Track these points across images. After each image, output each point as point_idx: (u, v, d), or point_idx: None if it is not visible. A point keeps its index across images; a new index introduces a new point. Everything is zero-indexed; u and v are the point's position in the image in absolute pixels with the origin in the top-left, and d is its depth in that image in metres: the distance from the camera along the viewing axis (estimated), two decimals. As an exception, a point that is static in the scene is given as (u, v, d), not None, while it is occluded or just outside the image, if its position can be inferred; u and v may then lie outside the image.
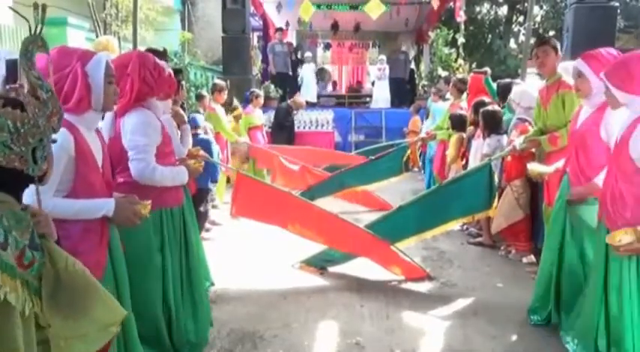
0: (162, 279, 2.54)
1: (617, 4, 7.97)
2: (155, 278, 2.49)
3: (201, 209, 5.05)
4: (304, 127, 10.68)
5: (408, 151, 6.85)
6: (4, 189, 1.33)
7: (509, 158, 4.38)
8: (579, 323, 2.80)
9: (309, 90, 12.95)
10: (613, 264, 2.46)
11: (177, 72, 3.85)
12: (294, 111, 9.51)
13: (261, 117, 7.98)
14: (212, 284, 3.84)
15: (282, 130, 9.22)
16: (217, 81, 7.14)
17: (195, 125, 4.98)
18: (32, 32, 1.35)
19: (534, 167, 2.98)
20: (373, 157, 6.42)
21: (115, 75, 2.08)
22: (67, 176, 1.86)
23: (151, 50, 4.00)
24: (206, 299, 3.12)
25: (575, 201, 2.86)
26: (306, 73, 13.22)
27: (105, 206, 1.93)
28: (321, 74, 14.93)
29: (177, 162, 2.80)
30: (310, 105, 12.17)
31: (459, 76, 7.26)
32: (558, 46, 3.65)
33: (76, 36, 7.03)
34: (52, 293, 1.37)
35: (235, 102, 8.01)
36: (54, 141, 1.42)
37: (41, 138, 1.33)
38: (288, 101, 9.61)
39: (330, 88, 16.42)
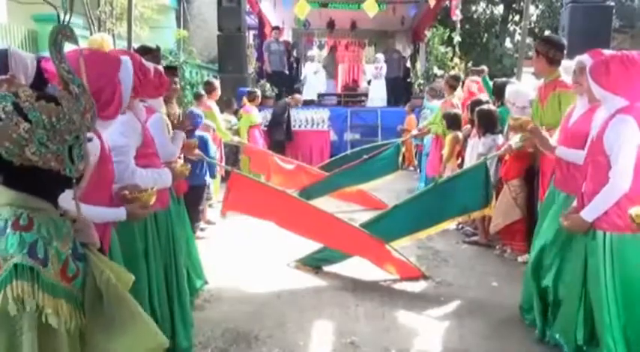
0: (147, 285, 2.49)
1: (612, 3, 8.00)
2: (140, 283, 2.42)
3: (200, 207, 5.04)
4: (300, 126, 10.64)
5: (403, 148, 6.84)
6: (41, 195, 1.23)
7: (507, 156, 4.38)
8: (560, 316, 2.85)
9: (310, 89, 12.90)
10: (591, 260, 2.50)
11: (171, 69, 3.82)
12: (292, 108, 9.53)
13: (258, 116, 8.00)
14: (205, 282, 3.82)
15: (279, 127, 9.21)
16: (210, 79, 7.14)
17: (196, 119, 4.96)
18: (60, 21, 1.27)
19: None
20: (367, 156, 6.40)
21: None
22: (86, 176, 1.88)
23: (143, 47, 3.98)
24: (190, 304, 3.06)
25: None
26: (309, 72, 13.17)
27: (116, 214, 1.99)
28: (329, 67, 14.50)
29: (163, 164, 2.72)
30: (311, 103, 12.18)
31: (452, 72, 7.26)
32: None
33: (70, 33, 6.97)
34: (93, 306, 1.29)
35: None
36: (90, 140, 1.35)
37: (77, 135, 1.23)
38: (287, 98, 9.61)
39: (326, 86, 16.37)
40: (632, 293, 2.40)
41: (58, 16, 1.27)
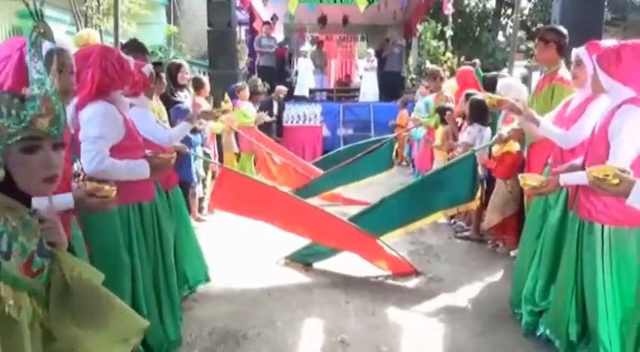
0: (130, 276, 2.46)
1: (604, -5, 7.96)
2: (123, 276, 2.41)
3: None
4: (292, 122, 10.59)
5: (396, 145, 6.79)
6: (11, 195, 1.26)
7: (498, 150, 4.33)
8: (551, 312, 2.82)
9: (303, 84, 12.83)
10: (587, 255, 2.46)
11: (156, 65, 3.77)
12: (276, 101, 9.47)
13: (252, 110, 7.87)
14: (207, 279, 3.75)
15: (269, 124, 9.14)
16: (198, 76, 7.03)
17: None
18: (34, 19, 1.28)
19: (526, 179, 2.67)
20: (359, 155, 6.34)
21: (76, 66, 1.99)
22: None
23: (133, 42, 3.91)
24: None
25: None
26: (301, 67, 13.09)
27: (63, 201, 1.81)
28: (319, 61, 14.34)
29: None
30: (303, 99, 12.12)
31: (432, 67, 7.23)
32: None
33: (56, 30, 6.83)
34: (61, 302, 1.31)
35: (226, 97, 7.87)
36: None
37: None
38: (272, 95, 9.56)
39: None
40: (629, 288, 2.34)
41: (31, 12, 1.27)
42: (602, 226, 2.39)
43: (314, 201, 5.80)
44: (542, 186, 2.55)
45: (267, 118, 8.08)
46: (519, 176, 2.72)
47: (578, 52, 2.86)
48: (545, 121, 2.99)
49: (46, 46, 1.88)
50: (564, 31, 3.55)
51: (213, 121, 4.77)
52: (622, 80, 2.29)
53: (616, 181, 1.81)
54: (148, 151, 2.62)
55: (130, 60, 2.47)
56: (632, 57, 2.27)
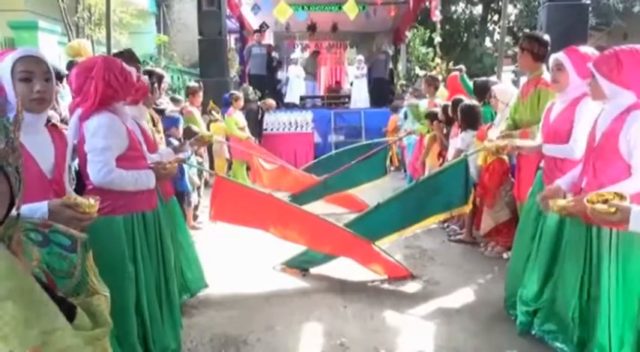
0: (135, 286, 2.48)
1: (588, 1, 8.14)
2: (127, 285, 2.42)
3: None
4: (283, 129, 10.63)
5: (390, 152, 6.87)
6: None
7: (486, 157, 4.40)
8: (555, 313, 2.83)
9: (294, 91, 12.88)
10: (594, 257, 2.47)
11: (150, 74, 3.81)
12: (265, 113, 9.52)
13: (242, 119, 7.91)
14: (206, 285, 3.76)
15: (254, 131, 9.19)
16: (191, 84, 7.06)
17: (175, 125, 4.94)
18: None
19: (559, 202, 2.45)
20: (354, 161, 6.39)
21: (80, 78, 2.01)
22: None
23: (126, 51, 3.94)
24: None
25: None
26: (292, 75, 13.14)
27: (38, 211, 1.71)
28: (310, 69, 14.45)
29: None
30: (294, 106, 12.19)
31: (430, 73, 7.33)
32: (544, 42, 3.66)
33: (48, 40, 6.88)
34: None
35: (212, 104, 7.90)
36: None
37: None
38: (259, 103, 9.58)
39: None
40: (633, 290, 2.33)
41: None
42: (611, 231, 2.36)
43: (319, 203, 5.87)
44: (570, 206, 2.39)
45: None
46: (550, 201, 2.53)
47: (558, 56, 2.91)
48: (545, 144, 3.04)
49: (10, 56, 1.83)
50: (543, 38, 3.60)
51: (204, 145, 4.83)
52: (624, 85, 2.27)
53: (613, 210, 1.87)
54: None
55: (132, 71, 2.50)
56: (633, 61, 2.27)
